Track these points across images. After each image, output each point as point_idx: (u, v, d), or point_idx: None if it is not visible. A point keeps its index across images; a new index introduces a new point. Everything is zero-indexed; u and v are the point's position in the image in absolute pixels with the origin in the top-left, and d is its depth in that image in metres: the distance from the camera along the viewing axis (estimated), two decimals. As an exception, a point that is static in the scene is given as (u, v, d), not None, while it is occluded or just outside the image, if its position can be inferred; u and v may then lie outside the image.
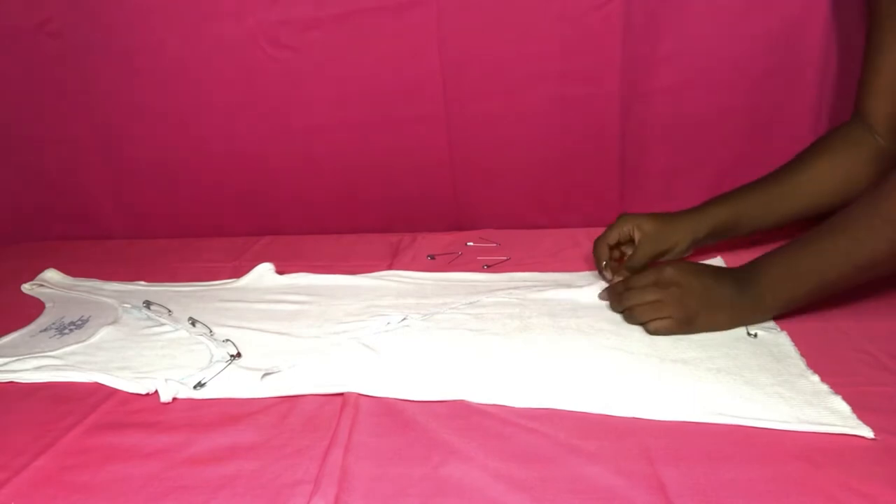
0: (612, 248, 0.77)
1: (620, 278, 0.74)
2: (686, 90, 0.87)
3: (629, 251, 0.78)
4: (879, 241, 0.59)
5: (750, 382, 0.58)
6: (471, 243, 0.93)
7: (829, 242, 0.62)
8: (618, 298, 0.71)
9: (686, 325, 0.66)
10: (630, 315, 0.68)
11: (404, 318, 0.72)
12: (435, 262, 0.88)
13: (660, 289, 0.67)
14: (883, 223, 0.58)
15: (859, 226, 0.60)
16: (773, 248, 0.66)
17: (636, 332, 0.67)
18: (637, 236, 0.76)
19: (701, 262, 0.73)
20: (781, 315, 0.67)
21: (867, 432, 0.50)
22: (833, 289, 0.64)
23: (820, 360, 0.60)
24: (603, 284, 0.75)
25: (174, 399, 0.61)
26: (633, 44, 0.84)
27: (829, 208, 0.76)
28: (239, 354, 0.67)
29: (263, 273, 0.85)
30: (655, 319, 0.66)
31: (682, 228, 0.76)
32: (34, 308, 0.82)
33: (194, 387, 0.61)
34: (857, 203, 0.61)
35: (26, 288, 0.87)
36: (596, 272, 0.79)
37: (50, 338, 0.74)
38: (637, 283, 0.69)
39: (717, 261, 0.80)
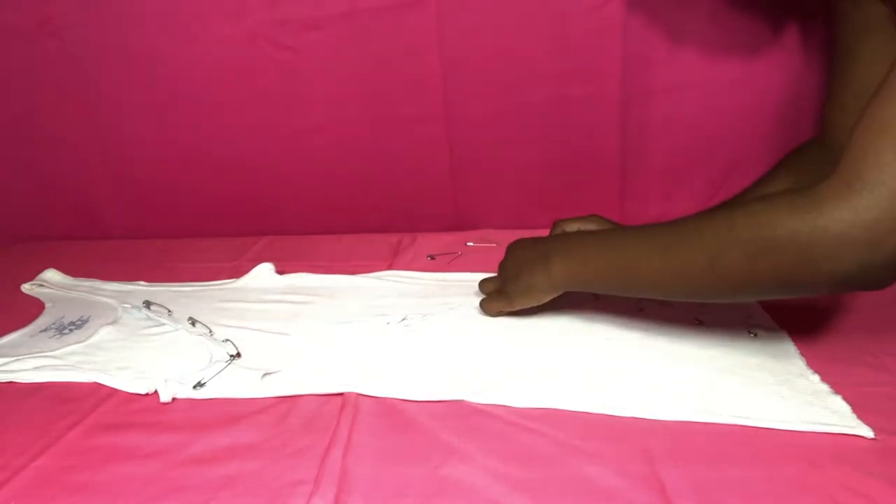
0: None
1: None
2: (686, 90, 0.87)
3: None
4: (697, 254, 0.53)
5: (750, 382, 0.58)
6: (470, 243, 0.93)
7: (648, 237, 0.58)
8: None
9: (502, 297, 0.69)
10: (482, 287, 0.74)
11: (404, 318, 0.72)
12: (435, 262, 0.88)
13: (499, 268, 0.71)
14: (713, 236, 0.52)
15: (689, 231, 0.55)
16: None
17: (636, 332, 0.67)
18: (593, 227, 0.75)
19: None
20: (783, 316, 0.67)
21: (867, 432, 0.50)
22: (651, 291, 0.59)
23: (820, 360, 0.60)
24: None
25: (174, 399, 0.60)
26: (633, 44, 0.84)
27: None
28: (239, 354, 0.67)
29: (263, 273, 0.85)
30: (483, 299, 0.71)
31: None
32: (34, 308, 0.82)
33: (194, 387, 0.61)
34: (701, 212, 0.57)
35: (26, 288, 0.87)
36: None
37: (50, 338, 0.74)
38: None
39: None
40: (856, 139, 0.47)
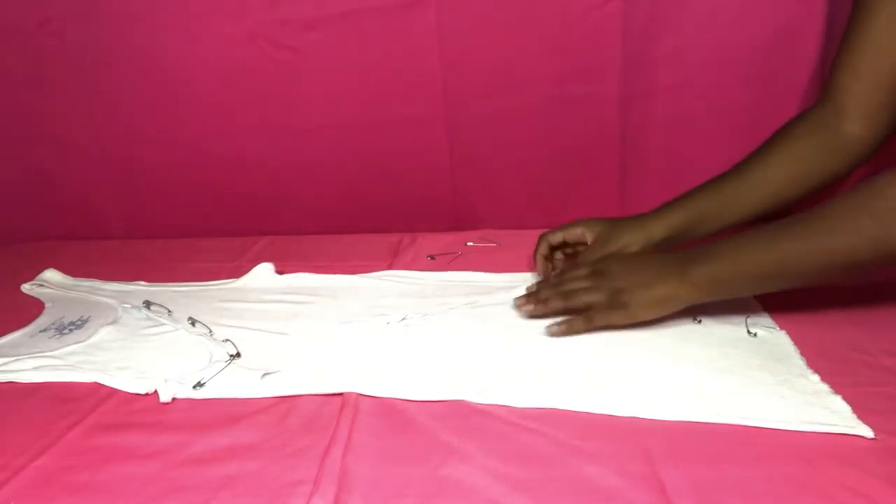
0: (555, 248, 0.77)
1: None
2: (686, 90, 0.87)
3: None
4: (862, 239, 0.54)
5: (750, 382, 0.58)
6: (470, 243, 0.93)
7: (801, 230, 0.57)
8: (552, 294, 0.68)
9: (619, 309, 0.64)
10: (569, 299, 0.66)
11: (404, 319, 0.72)
12: (435, 262, 0.88)
13: (593, 277, 0.66)
14: (870, 220, 0.54)
15: (842, 219, 0.55)
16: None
17: (636, 331, 0.67)
18: (589, 238, 0.75)
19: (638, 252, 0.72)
20: (776, 310, 0.66)
21: (867, 432, 0.50)
22: (797, 281, 0.60)
23: (820, 360, 0.60)
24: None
25: (174, 399, 0.60)
26: (633, 44, 0.84)
27: (789, 202, 0.73)
28: (238, 354, 0.67)
29: (263, 273, 0.85)
30: (594, 309, 0.65)
31: (633, 230, 0.73)
32: (34, 308, 0.82)
33: (194, 387, 0.61)
34: (840, 197, 0.56)
35: (26, 288, 0.87)
36: None
37: (50, 338, 0.74)
38: (571, 274, 0.69)
39: None
40: None
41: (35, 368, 0.66)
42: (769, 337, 0.65)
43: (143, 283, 0.87)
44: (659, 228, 0.73)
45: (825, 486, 0.46)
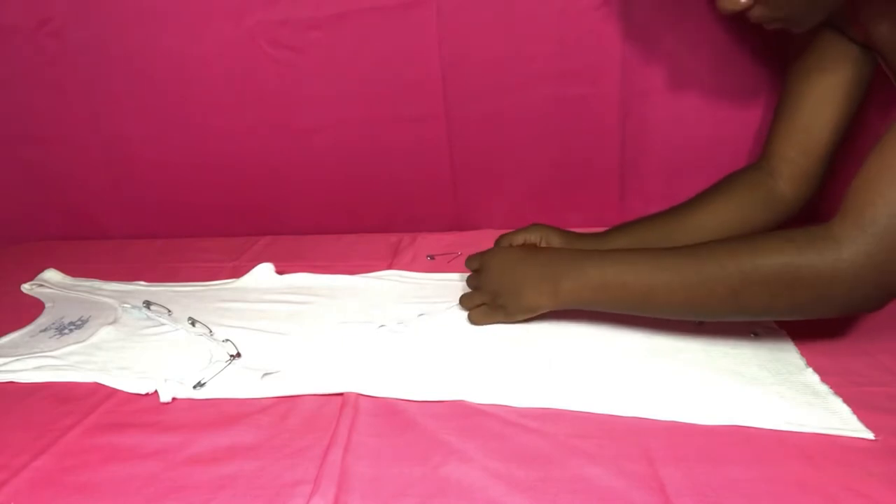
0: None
1: None
2: (686, 90, 0.87)
3: None
4: (721, 288, 0.56)
5: (750, 382, 0.58)
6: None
7: (671, 263, 0.60)
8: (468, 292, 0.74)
9: (499, 310, 0.69)
10: (468, 299, 0.72)
11: (403, 318, 0.72)
12: (435, 262, 0.88)
13: (477, 277, 0.71)
14: (736, 273, 0.56)
15: (709, 264, 0.57)
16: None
17: (636, 332, 0.67)
18: (542, 242, 0.77)
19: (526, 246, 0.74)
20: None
21: (867, 433, 0.50)
22: (663, 311, 0.62)
23: (820, 361, 0.60)
24: None
25: (174, 399, 0.61)
26: (633, 44, 0.84)
27: None
28: (239, 354, 0.67)
29: (263, 273, 0.85)
30: (472, 309, 0.71)
31: (557, 240, 0.76)
32: (34, 308, 0.82)
33: (194, 387, 0.61)
34: (716, 241, 0.59)
35: (26, 288, 0.87)
36: None
37: (50, 338, 0.74)
38: (472, 277, 0.74)
39: None
40: (863, 185, 0.53)
41: (35, 368, 0.66)
42: (769, 337, 0.65)
43: (142, 283, 0.87)
44: (587, 246, 0.76)
45: (825, 486, 0.46)
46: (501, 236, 0.78)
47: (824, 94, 0.72)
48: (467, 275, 0.83)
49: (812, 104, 0.73)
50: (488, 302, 0.70)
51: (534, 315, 0.69)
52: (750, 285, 0.55)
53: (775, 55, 0.84)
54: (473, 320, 0.71)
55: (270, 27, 0.88)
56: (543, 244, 0.77)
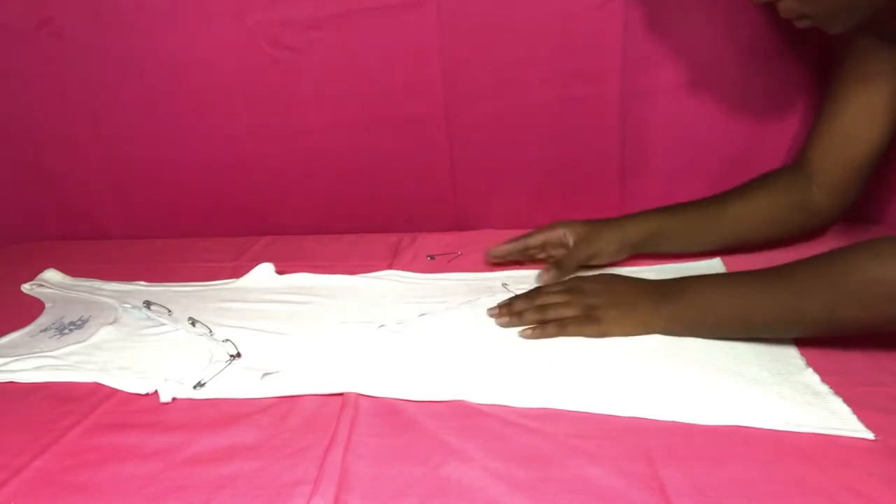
0: (531, 248, 0.80)
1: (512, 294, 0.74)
2: (686, 90, 0.87)
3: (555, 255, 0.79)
4: (818, 307, 0.57)
5: (750, 382, 0.58)
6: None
7: (766, 286, 0.60)
8: (527, 306, 0.69)
9: (595, 323, 0.66)
10: (544, 313, 0.68)
11: (403, 319, 0.72)
12: (435, 262, 0.88)
13: (569, 293, 0.68)
14: (832, 293, 0.56)
15: (805, 285, 0.58)
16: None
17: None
18: (571, 239, 0.77)
19: (624, 273, 0.74)
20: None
21: (867, 433, 0.50)
22: (762, 332, 0.63)
23: (820, 361, 0.60)
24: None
25: (174, 399, 0.61)
26: (633, 44, 0.84)
27: (752, 244, 0.79)
28: (239, 354, 0.67)
29: (263, 273, 0.85)
30: (568, 319, 0.66)
31: (610, 233, 0.77)
32: (34, 308, 0.82)
33: (194, 387, 0.61)
34: (809, 260, 0.59)
35: (26, 288, 0.87)
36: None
37: (50, 338, 0.74)
38: (547, 289, 0.70)
39: (717, 262, 0.80)
40: None
41: (35, 368, 0.66)
42: (769, 337, 0.65)
43: (143, 283, 0.87)
44: (634, 232, 0.77)
45: (825, 486, 0.46)
46: (521, 237, 0.78)
47: (866, 105, 0.71)
48: (468, 275, 0.83)
49: (853, 115, 0.72)
50: (579, 314, 0.66)
51: (634, 334, 0.66)
52: (843, 304, 0.56)
53: (775, 55, 0.84)
54: (549, 333, 0.66)
55: (271, 27, 0.88)
56: (571, 237, 0.77)
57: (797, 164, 0.78)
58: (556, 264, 0.76)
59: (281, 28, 0.88)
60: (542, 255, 0.82)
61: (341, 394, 0.60)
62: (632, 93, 0.87)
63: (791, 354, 0.61)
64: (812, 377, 0.58)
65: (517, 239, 0.80)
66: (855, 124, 0.72)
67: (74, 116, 0.97)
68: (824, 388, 0.56)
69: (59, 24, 0.91)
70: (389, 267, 0.86)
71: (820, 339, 0.63)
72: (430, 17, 0.85)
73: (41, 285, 0.87)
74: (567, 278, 0.74)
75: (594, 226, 0.78)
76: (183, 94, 0.94)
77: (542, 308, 0.68)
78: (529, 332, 0.67)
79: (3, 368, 0.67)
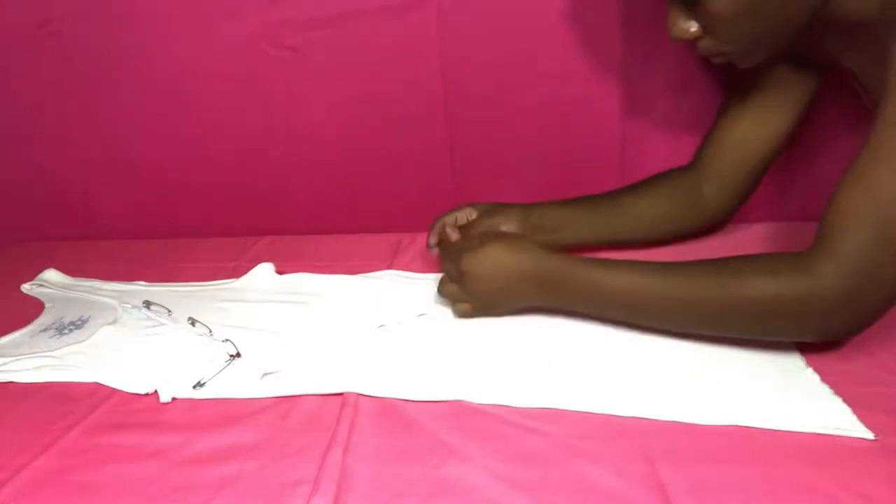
0: (448, 226, 0.79)
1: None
2: (686, 90, 0.87)
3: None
4: (705, 309, 0.59)
5: (750, 382, 0.58)
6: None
7: (659, 281, 0.61)
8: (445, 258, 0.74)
9: (485, 309, 0.70)
10: (439, 285, 0.72)
11: (403, 318, 0.72)
12: (434, 262, 0.88)
13: (459, 273, 0.69)
14: (722, 298, 0.58)
15: (699, 286, 0.59)
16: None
17: (636, 332, 0.67)
18: (474, 214, 0.80)
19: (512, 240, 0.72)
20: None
21: (867, 433, 0.50)
22: (635, 318, 0.65)
23: (820, 360, 0.60)
24: None
25: (174, 399, 0.61)
26: (633, 44, 0.84)
27: (647, 239, 0.82)
28: (238, 354, 0.67)
29: (263, 273, 0.85)
30: (458, 304, 0.71)
31: (512, 214, 0.79)
32: (34, 308, 0.82)
33: (194, 387, 0.61)
34: (708, 263, 0.60)
35: (26, 288, 0.87)
36: None
37: (50, 338, 0.74)
38: (448, 253, 0.73)
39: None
40: (837, 215, 0.54)
41: (35, 368, 0.66)
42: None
43: (142, 283, 0.87)
44: (534, 214, 0.80)
45: (825, 486, 0.46)
46: (438, 217, 0.80)
47: (765, 112, 0.74)
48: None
49: (751, 119, 0.75)
50: (477, 306, 0.70)
51: (522, 313, 0.70)
52: (733, 310, 0.58)
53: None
54: (459, 313, 0.71)
55: (271, 27, 0.88)
56: (475, 213, 0.79)
57: (693, 162, 0.81)
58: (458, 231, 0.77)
59: (281, 28, 0.88)
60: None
61: (341, 394, 0.60)
62: (632, 93, 0.87)
63: (791, 354, 0.61)
64: (812, 377, 0.58)
65: (434, 223, 0.80)
66: (753, 128, 0.75)
67: (74, 116, 0.97)
68: (824, 388, 0.56)
69: (59, 24, 0.91)
70: (389, 267, 0.86)
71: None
72: (430, 17, 0.85)
73: (41, 285, 0.87)
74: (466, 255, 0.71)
75: (498, 205, 0.81)
76: (183, 94, 0.94)
77: (440, 283, 0.72)
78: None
79: (3, 368, 0.67)
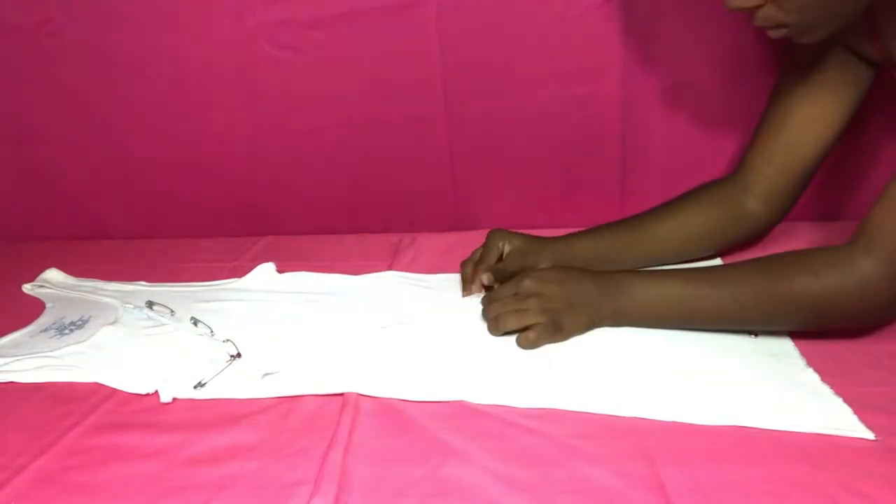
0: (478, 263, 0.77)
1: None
2: (686, 90, 0.87)
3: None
4: (755, 314, 0.62)
5: (750, 382, 0.58)
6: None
7: (709, 288, 0.63)
8: (484, 307, 0.70)
9: (554, 330, 0.65)
10: (495, 324, 0.67)
11: (403, 318, 0.72)
12: (435, 262, 0.88)
13: (520, 300, 0.67)
14: (770, 300, 0.60)
15: (748, 290, 0.61)
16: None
17: (636, 332, 0.67)
18: (506, 249, 0.76)
19: (565, 266, 0.72)
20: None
21: (867, 433, 0.50)
22: (691, 325, 0.66)
23: (820, 360, 0.60)
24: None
25: (174, 399, 0.61)
26: (633, 44, 0.84)
27: (686, 259, 0.78)
28: (239, 354, 0.67)
29: (263, 273, 0.85)
30: (524, 331, 0.65)
31: (546, 252, 0.75)
32: (34, 308, 0.82)
33: (194, 387, 0.61)
34: (754, 265, 0.62)
35: (27, 288, 0.87)
36: None
37: (50, 338, 0.74)
38: (498, 294, 0.69)
39: (717, 262, 0.80)
40: (887, 218, 0.56)
41: (35, 368, 0.66)
42: (769, 337, 0.65)
43: (143, 283, 0.87)
44: (565, 256, 0.75)
45: (825, 486, 0.46)
46: (466, 263, 0.78)
47: (814, 115, 0.71)
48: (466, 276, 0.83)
49: (799, 123, 0.71)
50: (546, 322, 0.65)
51: (587, 331, 0.67)
52: (780, 311, 0.61)
53: (775, 56, 0.84)
54: (527, 342, 0.65)
55: (271, 27, 0.88)
56: (507, 247, 0.76)
57: (736, 171, 0.78)
58: (494, 271, 0.74)
59: (281, 28, 0.88)
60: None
61: (341, 394, 0.60)
62: (631, 93, 0.87)
63: (792, 354, 0.62)
64: (812, 377, 0.58)
65: (464, 266, 0.78)
66: (801, 132, 0.71)
67: (74, 116, 0.97)
68: (825, 389, 0.56)
69: (59, 24, 0.91)
70: (389, 267, 0.86)
71: (820, 339, 0.63)
72: (430, 17, 0.85)
73: (42, 286, 0.87)
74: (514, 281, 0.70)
75: (531, 240, 0.76)
76: (183, 94, 0.94)
77: (497, 320, 0.67)
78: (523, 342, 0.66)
79: (3, 368, 0.67)
